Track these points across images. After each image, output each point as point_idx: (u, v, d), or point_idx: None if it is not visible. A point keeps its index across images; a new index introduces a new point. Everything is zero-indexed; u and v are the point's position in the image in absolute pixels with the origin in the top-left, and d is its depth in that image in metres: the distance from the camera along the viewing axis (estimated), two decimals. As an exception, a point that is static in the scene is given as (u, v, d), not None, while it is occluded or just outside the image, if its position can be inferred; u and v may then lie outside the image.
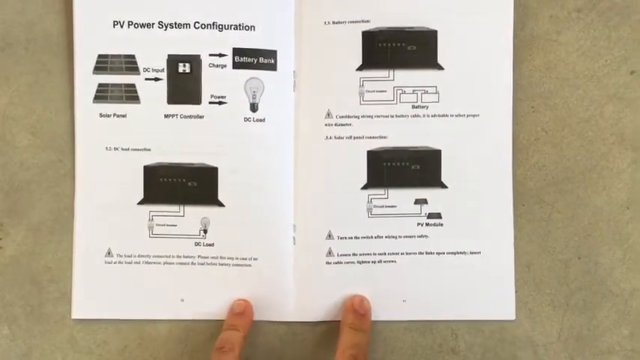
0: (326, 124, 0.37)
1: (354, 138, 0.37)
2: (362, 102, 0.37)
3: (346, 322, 0.35)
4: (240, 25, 0.36)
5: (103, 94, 0.37)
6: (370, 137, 0.37)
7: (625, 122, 0.37)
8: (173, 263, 0.37)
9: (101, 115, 0.37)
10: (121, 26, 0.36)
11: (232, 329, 0.35)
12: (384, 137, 0.37)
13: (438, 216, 0.37)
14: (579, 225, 0.37)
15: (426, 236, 0.37)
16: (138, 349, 0.37)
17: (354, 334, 0.34)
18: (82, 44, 0.36)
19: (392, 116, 0.37)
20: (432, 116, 0.37)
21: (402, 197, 0.37)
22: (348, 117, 0.37)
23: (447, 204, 0.37)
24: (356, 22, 0.36)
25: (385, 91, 0.37)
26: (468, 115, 0.37)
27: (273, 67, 0.36)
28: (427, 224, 0.37)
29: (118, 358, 0.37)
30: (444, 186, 0.37)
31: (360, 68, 0.37)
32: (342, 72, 0.37)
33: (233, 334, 0.34)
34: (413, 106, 0.37)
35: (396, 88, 0.37)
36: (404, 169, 0.37)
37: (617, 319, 0.37)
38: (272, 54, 0.36)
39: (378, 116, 0.37)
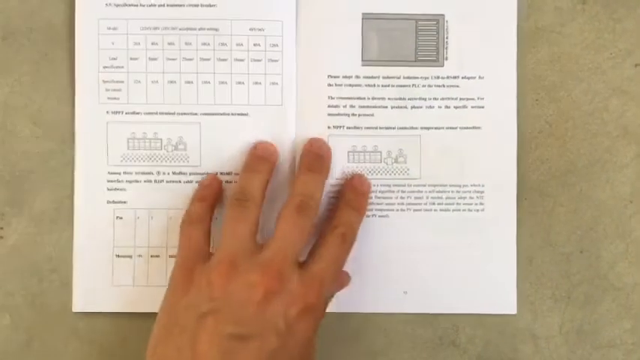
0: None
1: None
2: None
3: (343, 198, 0.35)
4: None
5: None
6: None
7: (629, 116, 0.37)
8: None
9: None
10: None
11: (199, 200, 0.35)
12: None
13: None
14: (582, 219, 0.37)
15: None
16: (139, 339, 0.37)
17: (350, 212, 0.34)
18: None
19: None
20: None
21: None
22: None
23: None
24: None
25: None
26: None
27: None
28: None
29: (119, 348, 0.37)
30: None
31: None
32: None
33: (199, 204, 0.34)
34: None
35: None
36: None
37: (619, 313, 0.37)
38: None
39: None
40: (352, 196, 0.35)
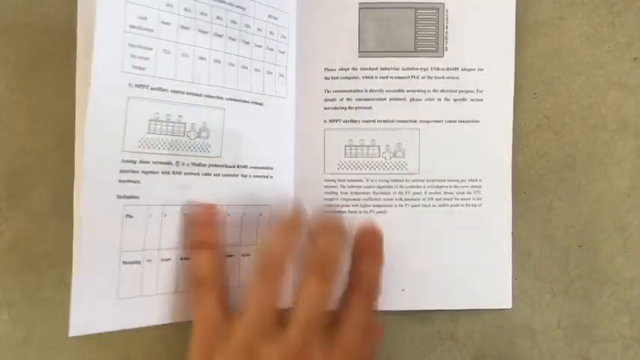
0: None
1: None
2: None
3: (357, 249, 0.32)
4: None
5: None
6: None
7: (627, 109, 0.37)
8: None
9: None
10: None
11: (201, 247, 0.31)
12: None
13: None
14: (580, 213, 0.37)
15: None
16: (137, 333, 0.37)
17: (367, 263, 0.31)
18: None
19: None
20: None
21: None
22: None
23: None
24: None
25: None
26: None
27: None
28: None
29: (117, 342, 0.37)
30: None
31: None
32: None
33: (204, 254, 0.31)
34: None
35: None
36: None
37: (617, 307, 0.37)
38: None
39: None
40: (366, 244, 0.32)
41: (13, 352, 0.37)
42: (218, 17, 0.33)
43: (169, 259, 0.32)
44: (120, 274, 0.31)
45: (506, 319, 0.37)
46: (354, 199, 0.37)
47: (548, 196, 0.37)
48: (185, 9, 0.32)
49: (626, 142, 0.37)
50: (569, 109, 0.37)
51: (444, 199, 0.37)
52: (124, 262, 0.31)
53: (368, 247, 0.32)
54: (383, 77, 0.36)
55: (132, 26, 0.31)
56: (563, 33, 0.37)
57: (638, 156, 0.37)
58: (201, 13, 0.32)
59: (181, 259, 0.33)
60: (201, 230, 0.31)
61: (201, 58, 0.33)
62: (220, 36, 0.33)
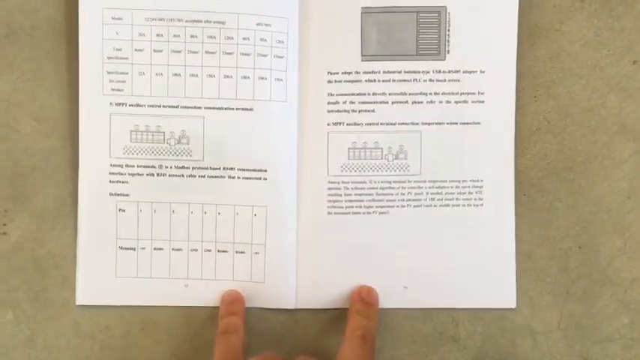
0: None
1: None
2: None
3: (354, 308, 0.36)
4: None
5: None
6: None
7: (627, 112, 0.37)
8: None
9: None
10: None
11: (231, 314, 0.35)
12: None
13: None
14: (580, 214, 0.37)
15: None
16: (140, 334, 0.37)
17: (362, 319, 0.35)
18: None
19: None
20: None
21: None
22: None
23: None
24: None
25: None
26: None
27: None
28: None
29: (121, 343, 0.37)
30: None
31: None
32: None
33: (233, 317, 0.35)
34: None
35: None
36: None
37: (617, 308, 0.37)
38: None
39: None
40: (361, 307, 0.36)
41: (17, 352, 0.37)
42: (192, 36, 0.36)
43: (162, 249, 0.37)
44: (117, 256, 0.37)
45: (507, 320, 0.37)
46: (358, 201, 0.37)
47: (549, 198, 0.37)
48: (157, 34, 0.36)
49: (626, 145, 0.37)
50: (570, 112, 0.37)
51: (445, 200, 0.37)
52: (120, 248, 0.37)
53: (363, 310, 0.35)
54: (385, 80, 0.37)
55: (109, 57, 0.36)
56: (563, 37, 0.37)
57: (637, 158, 0.37)
58: (174, 35, 0.36)
59: (173, 249, 0.37)
60: (229, 305, 0.36)
61: (176, 74, 0.36)
62: (196, 52, 0.36)
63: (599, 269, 0.37)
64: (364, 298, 0.36)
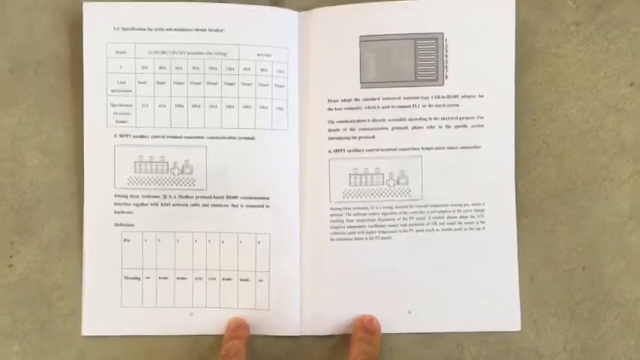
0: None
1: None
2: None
3: (356, 336, 0.36)
4: None
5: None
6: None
7: (625, 133, 0.38)
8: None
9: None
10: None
11: (234, 338, 0.36)
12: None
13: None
14: (582, 236, 0.38)
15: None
16: (147, 357, 0.38)
17: (365, 344, 0.35)
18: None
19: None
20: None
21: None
22: None
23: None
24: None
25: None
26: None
27: None
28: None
29: (127, 373, 0.38)
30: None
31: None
32: None
33: (235, 341, 0.35)
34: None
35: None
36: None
37: (622, 330, 0.37)
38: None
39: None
40: (363, 334, 0.36)
41: (24, 385, 0.37)
42: (194, 67, 0.37)
43: (167, 278, 0.37)
44: (122, 286, 0.37)
45: (511, 344, 0.37)
46: (360, 226, 0.37)
47: (550, 220, 0.38)
48: (160, 67, 0.37)
49: (626, 166, 0.37)
50: (568, 135, 0.38)
51: (447, 224, 0.37)
52: (126, 277, 0.37)
53: (365, 337, 0.36)
54: (385, 107, 0.37)
55: (113, 90, 0.37)
56: (560, 60, 0.38)
57: (637, 179, 0.37)
58: (177, 67, 0.37)
59: (178, 278, 0.37)
60: (232, 331, 0.37)
61: (179, 105, 0.37)
62: (198, 84, 0.37)
63: (604, 290, 0.37)
64: (366, 326, 0.36)
